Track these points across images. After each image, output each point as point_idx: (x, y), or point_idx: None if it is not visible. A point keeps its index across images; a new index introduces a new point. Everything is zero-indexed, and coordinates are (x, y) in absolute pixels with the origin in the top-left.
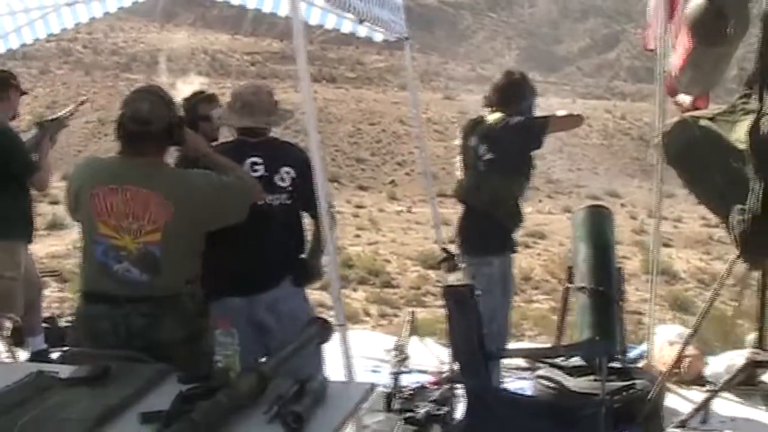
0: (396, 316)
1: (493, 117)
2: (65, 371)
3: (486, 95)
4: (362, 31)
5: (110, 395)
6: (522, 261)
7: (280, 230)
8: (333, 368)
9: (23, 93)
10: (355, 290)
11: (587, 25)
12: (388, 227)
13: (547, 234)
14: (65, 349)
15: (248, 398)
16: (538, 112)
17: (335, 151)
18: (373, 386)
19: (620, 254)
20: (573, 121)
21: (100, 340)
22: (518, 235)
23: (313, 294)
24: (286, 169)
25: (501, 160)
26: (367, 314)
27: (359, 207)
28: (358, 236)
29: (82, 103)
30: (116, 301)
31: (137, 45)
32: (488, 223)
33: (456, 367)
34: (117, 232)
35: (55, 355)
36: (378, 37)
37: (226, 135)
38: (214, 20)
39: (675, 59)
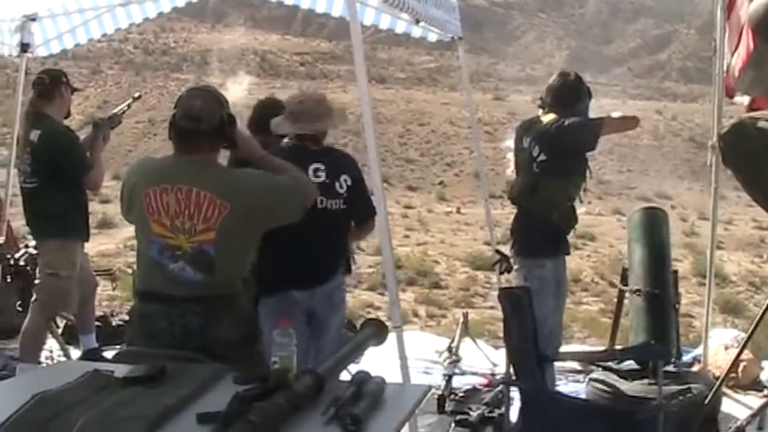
0: (444, 317)
1: (547, 118)
2: (121, 370)
3: (541, 96)
4: (416, 31)
5: (167, 395)
6: (571, 263)
7: (335, 231)
8: (387, 370)
9: (75, 90)
10: (404, 291)
11: (638, 26)
12: (437, 228)
13: (597, 236)
14: (117, 347)
15: (306, 400)
16: (591, 114)
17: (385, 152)
18: (430, 387)
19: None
20: (628, 122)
21: (155, 339)
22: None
23: (362, 295)
24: (345, 177)
25: (555, 161)
26: (416, 315)
27: (408, 207)
28: (407, 237)
29: (137, 98)
30: (172, 300)
31: (188, 45)
32: (542, 225)
33: (511, 369)
34: (171, 232)
35: (107, 354)
36: (432, 37)
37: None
38: (264, 20)
39: (736, 59)
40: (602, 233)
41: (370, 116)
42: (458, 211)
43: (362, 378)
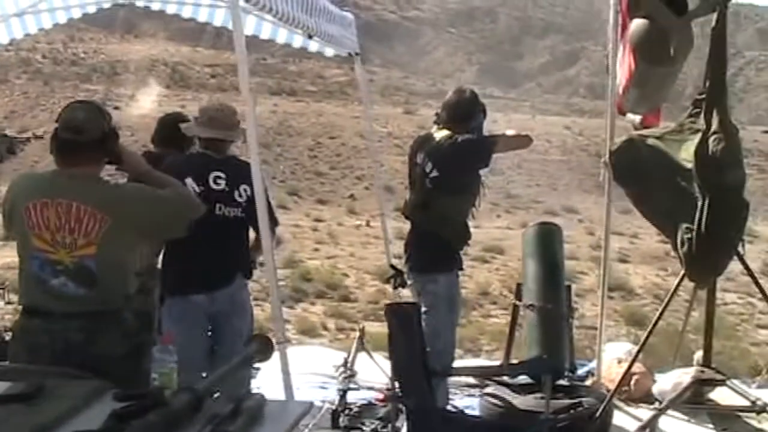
0: (354, 330)
1: (440, 134)
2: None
3: (436, 112)
4: (313, 46)
5: (43, 413)
6: (480, 276)
7: (234, 237)
8: (275, 385)
9: None
10: (313, 304)
11: (547, 42)
12: (346, 241)
13: (506, 249)
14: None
15: (182, 417)
16: (495, 129)
17: (295, 165)
18: (311, 404)
19: (577, 269)
20: (521, 141)
21: (37, 355)
22: (476, 250)
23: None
24: (245, 186)
25: (448, 178)
26: (325, 328)
27: (318, 221)
28: (316, 250)
29: (36, 137)
30: (53, 315)
31: (97, 56)
32: (434, 241)
33: (397, 385)
34: (52, 246)
35: None
36: (329, 52)
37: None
38: (175, 32)
39: (620, 79)
40: (511, 247)
41: (254, 127)
42: (368, 225)
43: (241, 395)
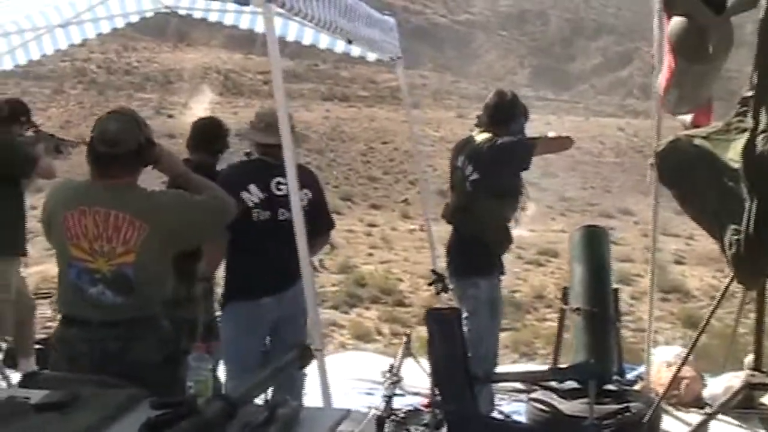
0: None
1: (481, 137)
2: (36, 396)
3: (478, 115)
4: (355, 51)
5: (77, 421)
6: (534, 279)
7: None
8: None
9: (33, 127)
10: (367, 309)
11: (600, 43)
12: (401, 246)
13: (561, 252)
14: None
15: (215, 426)
16: (549, 132)
17: (348, 170)
18: (349, 411)
19: (633, 272)
20: (562, 143)
21: (75, 364)
22: (531, 254)
23: (325, 313)
24: (305, 191)
25: (488, 181)
26: (380, 333)
27: (372, 225)
28: (371, 255)
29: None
30: (90, 324)
31: (150, 65)
32: (475, 245)
33: (437, 391)
34: (90, 255)
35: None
36: (371, 56)
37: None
38: (227, 40)
39: (661, 79)
40: (565, 250)
41: (288, 132)
42: (422, 229)
43: (276, 402)
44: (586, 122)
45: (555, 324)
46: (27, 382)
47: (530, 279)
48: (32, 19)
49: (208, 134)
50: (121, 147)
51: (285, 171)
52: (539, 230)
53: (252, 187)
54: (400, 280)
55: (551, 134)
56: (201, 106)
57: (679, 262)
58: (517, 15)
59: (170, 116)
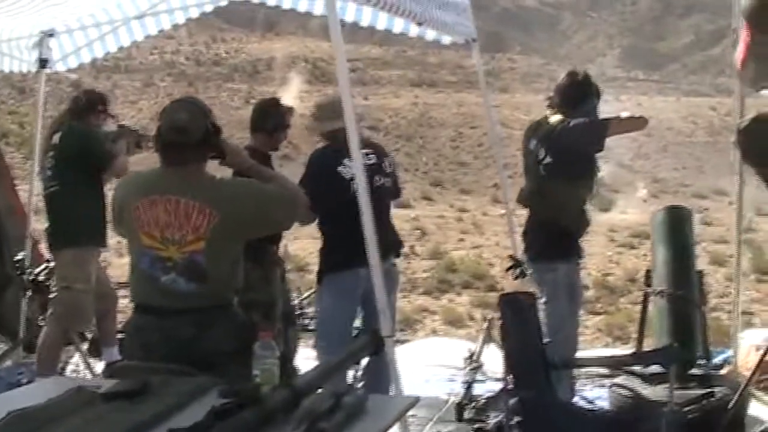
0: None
1: (552, 119)
2: (106, 385)
3: (549, 96)
4: (430, 34)
5: (145, 410)
6: (627, 262)
7: (387, 208)
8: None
9: (110, 117)
10: (459, 294)
11: (691, 21)
12: (491, 231)
13: None
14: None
15: (278, 414)
16: (639, 112)
17: (437, 156)
18: (417, 399)
19: (728, 253)
20: (636, 123)
21: (150, 352)
22: (624, 236)
23: (418, 299)
24: (388, 160)
25: (561, 164)
26: (472, 318)
27: (462, 211)
28: (462, 240)
29: None
30: (164, 312)
31: (239, 55)
32: (552, 228)
33: (511, 378)
34: (162, 243)
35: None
36: (446, 39)
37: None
38: (314, 28)
39: (738, 55)
40: None
41: (352, 115)
42: (513, 213)
43: (342, 390)
44: (677, 102)
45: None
46: (110, 371)
47: (623, 262)
48: (122, 7)
49: (261, 112)
50: (189, 135)
51: (367, 145)
52: (631, 212)
53: (345, 161)
54: (492, 265)
55: (624, 114)
56: (290, 95)
57: None
58: None
59: None
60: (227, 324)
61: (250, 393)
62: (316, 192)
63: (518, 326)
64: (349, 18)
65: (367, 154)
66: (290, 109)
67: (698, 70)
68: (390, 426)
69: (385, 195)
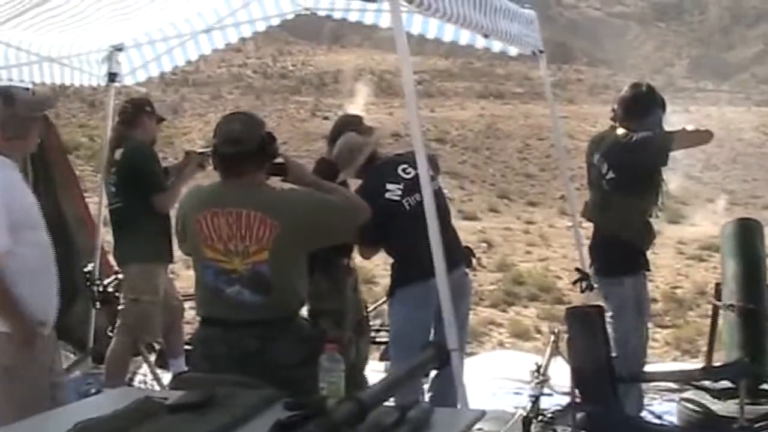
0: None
1: (615, 133)
2: (173, 397)
3: (613, 108)
4: (496, 45)
5: (210, 422)
6: (696, 275)
7: (448, 213)
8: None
9: (161, 120)
10: (526, 307)
11: (760, 30)
12: (558, 243)
13: None
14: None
15: (344, 427)
16: (709, 124)
17: (504, 168)
18: (483, 413)
19: None
20: (701, 136)
21: (215, 364)
22: (693, 249)
23: (484, 312)
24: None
25: (624, 179)
26: (538, 331)
27: (529, 223)
28: (528, 252)
29: None
30: (230, 324)
31: (305, 68)
32: (617, 243)
33: (578, 392)
34: (225, 255)
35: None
36: (513, 51)
37: None
38: (381, 41)
39: None
40: None
41: (418, 128)
42: (580, 226)
43: (407, 404)
44: (747, 112)
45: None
46: (176, 382)
47: (692, 275)
48: (190, 21)
49: (341, 125)
50: (244, 145)
51: (400, 158)
52: (700, 224)
53: (389, 185)
54: (559, 277)
55: (689, 128)
56: (356, 107)
57: None
58: (674, 5)
59: (326, 118)
60: (292, 336)
61: (316, 405)
62: (374, 228)
63: (585, 339)
64: (416, 30)
65: (404, 170)
66: (370, 129)
67: None
68: None
69: (440, 198)
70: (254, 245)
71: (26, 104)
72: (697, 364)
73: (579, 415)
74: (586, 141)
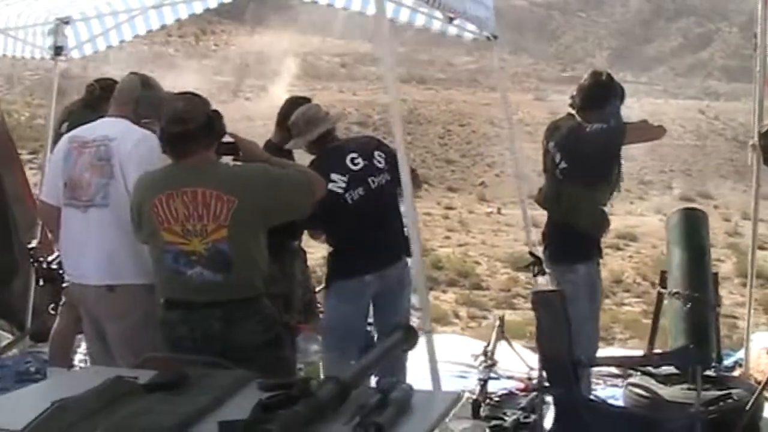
0: (485, 318)
1: (570, 123)
2: (144, 376)
3: (571, 95)
4: (452, 30)
5: (188, 402)
6: (613, 263)
7: (392, 209)
8: (418, 374)
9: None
10: (444, 292)
11: (680, 24)
12: (477, 229)
13: (639, 236)
14: None
15: (329, 408)
16: (629, 115)
17: (425, 153)
18: (460, 395)
19: (714, 257)
20: (654, 131)
21: (177, 346)
22: (610, 237)
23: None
24: (378, 152)
25: (577, 169)
26: (457, 316)
27: (449, 208)
28: (447, 238)
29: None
30: (191, 306)
31: (228, 48)
32: (570, 231)
33: (544, 374)
34: (184, 237)
35: None
36: (468, 36)
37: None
38: (304, 23)
39: None
40: (644, 233)
41: (399, 116)
42: (499, 212)
43: (388, 385)
44: (665, 104)
45: (633, 309)
46: (143, 362)
47: (609, 263)
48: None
49: (286, 109)
50: (191, 123)
51: (351, 145)
52: (618, 213)
53: (333, 176)
54: (478, 263)
55: (646, 121)
56: (278, 89)
57: (761, 248)
58: None
59: (248, 99)
60: (256, 317)
61: (299, 386)
62: (315, 217)
63: (551, 323)
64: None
65: (353, 160)
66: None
67: (686, 73)
68: (441, 420)
69: (384, 194)
70: (212, 223)
71: None
72: (615, 351)
73: (529, 398)
74: (507, 129)
